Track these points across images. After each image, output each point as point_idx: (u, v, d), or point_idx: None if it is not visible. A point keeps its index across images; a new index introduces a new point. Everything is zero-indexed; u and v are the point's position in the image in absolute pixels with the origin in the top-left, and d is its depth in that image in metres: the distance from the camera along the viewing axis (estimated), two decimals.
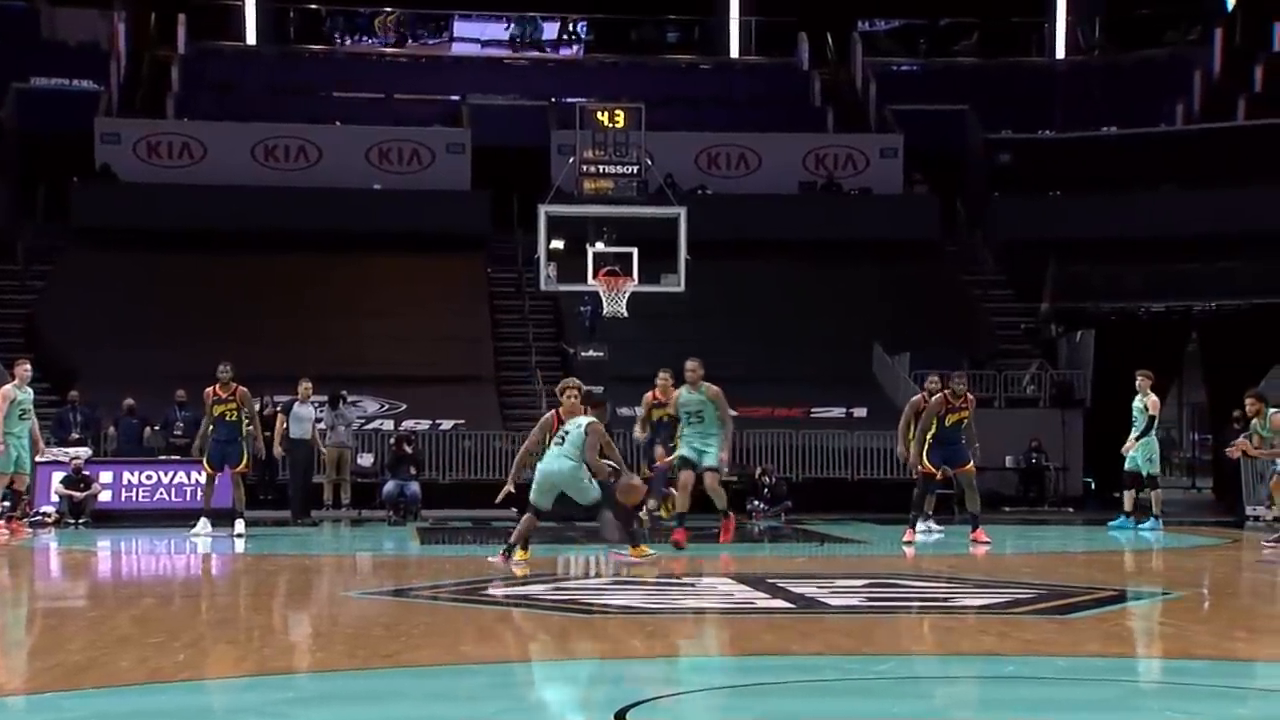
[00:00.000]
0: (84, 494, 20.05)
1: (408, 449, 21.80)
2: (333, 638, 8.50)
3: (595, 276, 22.38)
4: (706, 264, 24.01)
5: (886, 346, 27.91)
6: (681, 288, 22.66)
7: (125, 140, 32.67)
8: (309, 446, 20.13)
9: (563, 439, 12.54)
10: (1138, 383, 18.33)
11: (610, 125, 23.56)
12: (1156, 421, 18.27)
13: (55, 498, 20.33)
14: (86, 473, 20.32)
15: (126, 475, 21.29)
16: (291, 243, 30.37)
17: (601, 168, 23.44)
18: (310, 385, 20.20)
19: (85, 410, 22.86)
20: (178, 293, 29.38)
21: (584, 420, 12.59)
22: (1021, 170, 33.58)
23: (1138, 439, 18.16)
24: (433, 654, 7.75)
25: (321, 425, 20.73)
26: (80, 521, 19.77)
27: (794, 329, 29.15)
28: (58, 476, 20.48)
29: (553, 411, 13.06)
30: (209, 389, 17.09)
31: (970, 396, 16.32)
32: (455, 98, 35.83)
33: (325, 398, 21.35)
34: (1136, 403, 18.23)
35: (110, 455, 22.36)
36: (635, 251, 22.40)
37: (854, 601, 10.19)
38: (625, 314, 22.38)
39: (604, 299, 22.49)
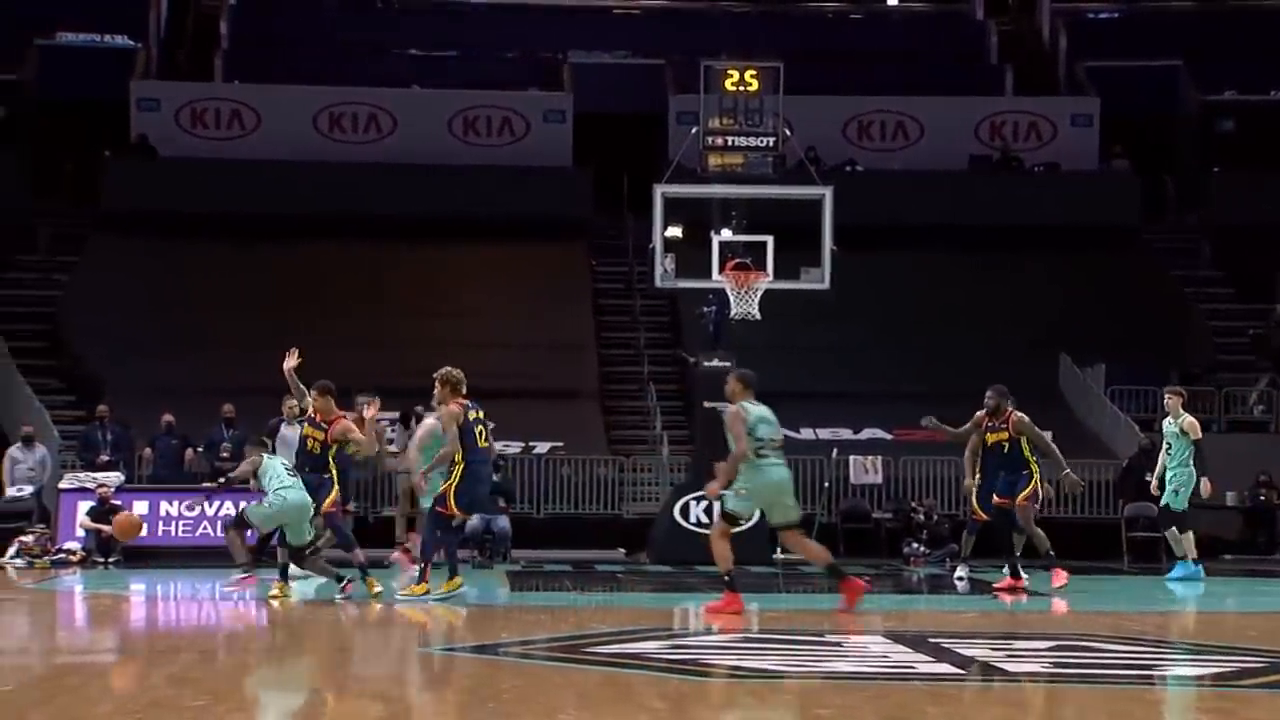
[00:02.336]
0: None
1: (495, 477, 21.91)
2: (405, 703, 8.54)
3: (721, 270, 22.35)
4: (856, 256, 23.88)
5: (1076, 356, 27.60)
6: (826, 284, 22.55)
7: (166, 107, 33.27)
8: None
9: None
10: (1167, 401, 18.20)
11: (741, 88, 23.51)
12: (1196, 449, 17.98)
13: (81, 532, 20.69)
14: (117, 502, 20.63)
15: (164, 505, 21.53)
16: (359, 229, 30.71)
17: (730, 139, 23.39)
18: (295, 404, 20.07)
19: (116, 428, 23.21)
20: (225, 289, 29.81)
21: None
22: (1248, 140, 33.05)
23: (1172, 469, 17.96)
24: None
25: (393, 447, 20.91)
26: (110, 560, 20.10)
27: (961, 334, 28.89)
28: (83, 507, 20.83)
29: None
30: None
31: (1015, 413, 16.34)
32: (555, 55, 36.04)
33: (396, 415, 21.51)
34: (1168, 425, 18.08)
35: (145, 482, 22.71)
36: (770, 241, 22.33)
37: (1037, 667, 10.07)
38: (757, 316, 22.31)
39: (731, 298, 22.44)
